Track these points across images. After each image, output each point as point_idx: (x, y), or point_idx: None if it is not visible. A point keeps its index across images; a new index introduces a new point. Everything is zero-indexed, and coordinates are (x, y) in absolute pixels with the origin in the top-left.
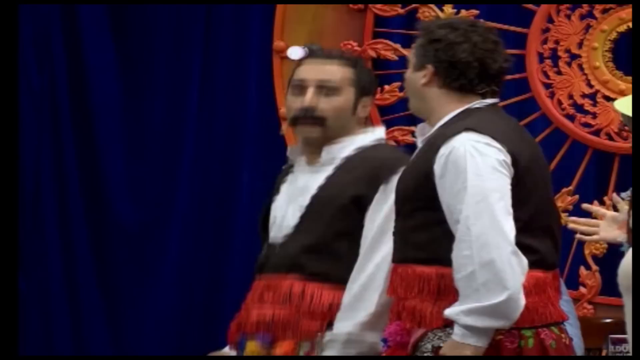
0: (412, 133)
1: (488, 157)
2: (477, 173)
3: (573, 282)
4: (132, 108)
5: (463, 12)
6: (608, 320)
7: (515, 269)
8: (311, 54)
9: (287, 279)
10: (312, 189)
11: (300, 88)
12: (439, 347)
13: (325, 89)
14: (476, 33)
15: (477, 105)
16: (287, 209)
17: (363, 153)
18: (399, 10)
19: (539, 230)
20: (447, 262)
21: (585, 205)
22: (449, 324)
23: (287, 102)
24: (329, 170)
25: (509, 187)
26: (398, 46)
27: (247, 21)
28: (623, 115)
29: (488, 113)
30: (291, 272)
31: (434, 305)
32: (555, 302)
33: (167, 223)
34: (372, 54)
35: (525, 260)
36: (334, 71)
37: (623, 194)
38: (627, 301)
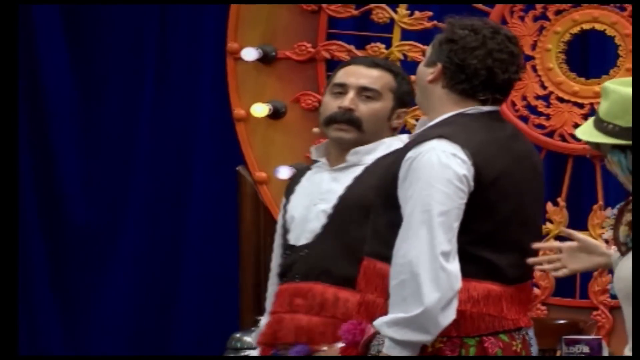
0: None
1: (448, 169)
2: (430, 183)
3: None
4: (86, 108)
5: (417, 14)
6: (561, 322)
7: (440, 285)
8: (356, 60)
9: (318, 285)
10: (337, 192)
11: (341, 90)
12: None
13: (366, 93)
14: (495, 41)
15: (471, 111)
16: (307, 211)
17: (389, 158)
18: (352, 11)
19: (502, 244)
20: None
21: (567, 231)
22: None
23: (324, 102)
24: (354, 173)
25: (460, 202)
26: (352, 47)
27: (201, 22)
28: (589, 142)
29: (474, 121)
30: (321, 278)
31: (385, 304)
32: (510, 313)
33: (121, 223)
34: (326, 55)
35: (453, 278)
36: (376, 77)
37: (608, 212)
38: (627, 309)
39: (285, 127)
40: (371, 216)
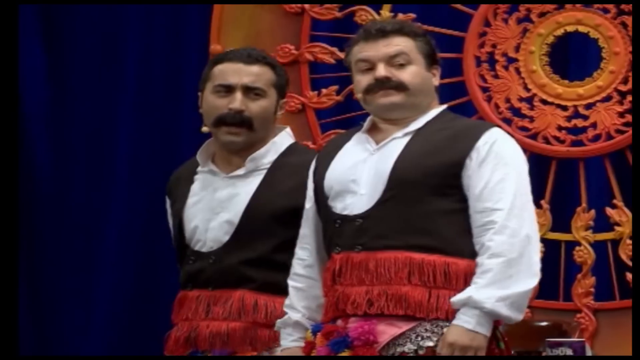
0: None
1: (523, 155)
2: (522, 170)
3: None
4: (64, 112)
5: (400, 15)
6: (544, 324)
7: (539, 265)
8: (231, 56)
9: (236, 292)
10: (241, 200)
11: (226, 90)
12: (428, 347)
13: (253, 92)
14: None
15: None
16: (209, 219)
17: (287, 159)
18: (335, 13)
19: None
20: (457, 252)
21: None
22: (444, 317)
23: (208, 101)
24: (254, 179)
25: None
26: (335, 49)
27: (184, 24)
28: None
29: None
30: (240, 284)
31: (431, 295)
32: None
33: (101, 228)
34: (309, 57)
35: None
36: (259, 74)
37: None
38: None
39: None
40: (378, 208)
